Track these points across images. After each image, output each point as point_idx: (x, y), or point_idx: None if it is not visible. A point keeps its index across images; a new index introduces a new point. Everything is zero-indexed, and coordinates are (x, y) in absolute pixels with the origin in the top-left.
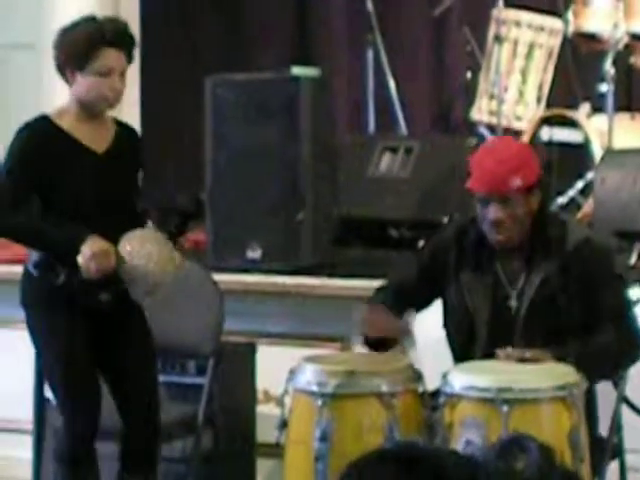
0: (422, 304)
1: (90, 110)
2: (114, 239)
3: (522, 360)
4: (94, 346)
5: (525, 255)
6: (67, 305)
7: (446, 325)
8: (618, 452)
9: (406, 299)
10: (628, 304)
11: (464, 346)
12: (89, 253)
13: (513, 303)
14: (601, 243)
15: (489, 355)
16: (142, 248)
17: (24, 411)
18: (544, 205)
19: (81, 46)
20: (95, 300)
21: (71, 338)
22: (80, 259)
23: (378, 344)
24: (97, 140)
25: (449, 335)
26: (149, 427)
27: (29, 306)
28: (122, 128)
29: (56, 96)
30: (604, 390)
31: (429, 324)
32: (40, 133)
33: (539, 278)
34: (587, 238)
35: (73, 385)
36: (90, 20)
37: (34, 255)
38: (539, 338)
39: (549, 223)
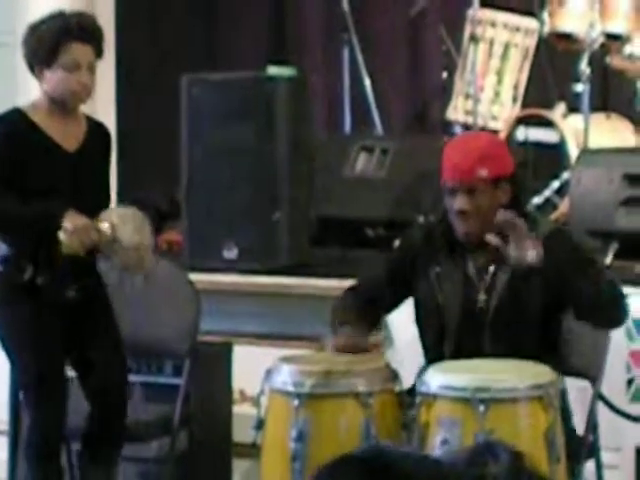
0: (392, 304)
1: (61, 106)
2: None
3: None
4: (62, 340)
5: (494, 250)
6: (33, 301)
7: (418, 322)
8: (594, 450)
9: (375, 300)
10: (606, 276)
11: (435, 342)
12: (71, 228)
13: (481, 297)
14: (568, 234)
15: (459, 350)
16: (121, 223)
17: (0, 412)
18: (516, 202)
19: (47, 41)
20: (61, 296)
21: (38, 333)
22: (62, 235)
23: None
24: (69, 138)
25: (420, 331)
26: (116, 416)
27: None
28: (93, 124)
29: (31, 93)
30: (580, 387)
31: (405, 322)
32: (13, 126)
33: (507, 274)
34: (555, 230)
35: (42, 378)
36: (57, 15)
37: (0, 251)
38: (507, 333)
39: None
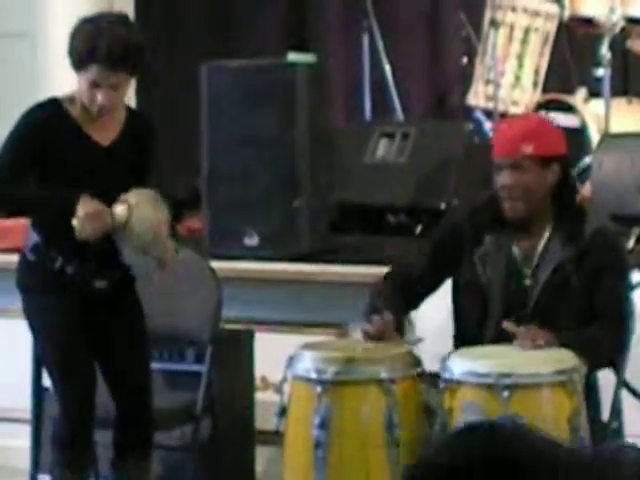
0: (432, 286)
1: (89, 111)
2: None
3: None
4: (89, 331)
5: (541, 235)
6: (63, 290)
7: (456, 303)
8: (618, 437)
9: (413, 285)
10: (627, 299)
11: (475, 324)
12: (83, 214)
13: (527, 282)
14: (614, 236)
15: (501, 332)
16: (137, 209)
17: (22, 400)
18: (566, 186)
19: (75, 55)
20: (90, 286)
21: (66, 322)
22: (74, 221)
23: None
24: (104, 131)
25: (459, 314)
26: (142, 412)
27: (25, 290)
28: (133, 117)
29: (51, 84)
30: (604, 375)
31: (430, 309)
32: (48, 116)
33: (554, 263)
34: (602, 229)
35: (69, 368)
36: (94, 24)
37: (31, 240)
38: (548, 319)
39: (570, 206)
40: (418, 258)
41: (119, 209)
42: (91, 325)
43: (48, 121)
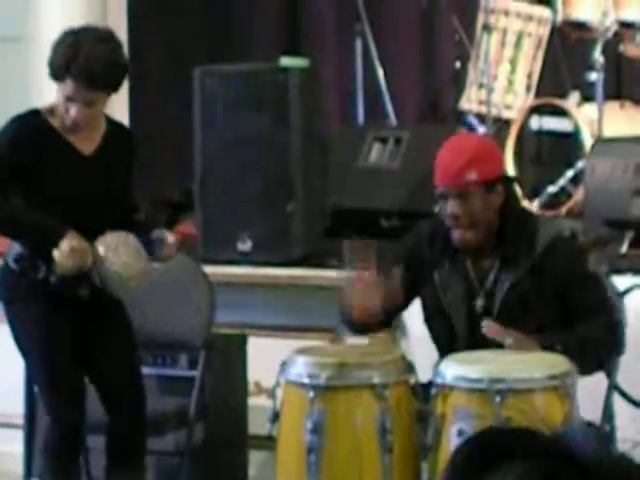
0: (400, 308)
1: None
2: (94, 238)
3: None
4: (75, 339)
5: (494, 255)
6: (47, 298)
7: (427, 323)
8: (611, 441)
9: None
10: (605, 299)
11: (446, 344)
12: (67, 249)
13: (479, 302)
14: (570, 243)
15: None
16: (115, 254)
17: (16, 406)
18: (511, 203)
19: (53, 68)
20: (73, 295)
21: (52, 331)
22: (57, 254)
23: (364, 325)
24: (86, 141)
25: (431, 332)
26: (133, 417)
27: (9, 301)
28: (113, 127)
29: (44, 89)
30: (596, 379)
31: (418, 316)
32: (30, 127)
33: (509, 280)
34: (556, 239)
35: (56, 377)
36: (75, 42)
37: (14, 250)
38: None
39: (517, 222)
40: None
41: (100, 249)
42: (77, 332)
43: (29, 132)
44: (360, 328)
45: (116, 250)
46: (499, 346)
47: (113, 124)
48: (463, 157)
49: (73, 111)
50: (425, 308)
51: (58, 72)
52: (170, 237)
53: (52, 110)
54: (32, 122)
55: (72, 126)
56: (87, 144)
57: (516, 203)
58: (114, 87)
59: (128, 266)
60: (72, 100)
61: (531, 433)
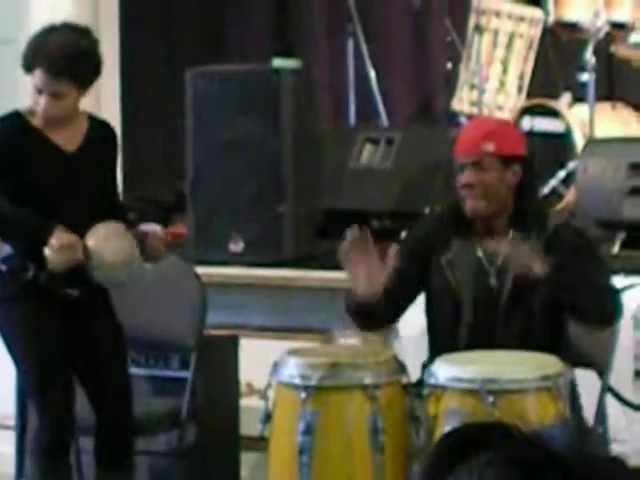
0: (407, 300)
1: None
2: (82, 234)
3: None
4: (64, 340)
5: (504, 235)
6: (36, 299)
7: (429, 312)
8: (603, 442)
9: (390, 296)
10: (609, 277)
11: (449, 329)
12: (57, 245)
13: (492, 282)
14: (580, 227)
15: (474, 335)
16: (106, 242)
17: (7, 407)
18: (527, 187)
19: (24, 57)
20: (62, 294)
21: (40, 331)
22: (47, 251)
23: (367, 311)
24: (68, 139)
25: (433, 322)
26: (121, 419)
27: None
28: (96, 124)
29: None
30: (588, 380)
31: (412, 316)
32: (11, 129)
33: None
34: (566, 222)
35: (45, 378)
36: (44, 33)
37: (3, 251)
38: (519, 318)
39: (532, 203)
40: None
41: (90, 241)
42: (66, 333)
43: (11, 132)
44: (365, 313)
45: (106, 240)
46: (502, 333)
47: (95, 121)
48: (482, 129)
49: (42, 103)
50: (429, 293)
51: (27, 62)
52: (158, 230)
53: (32, 111)
54: (13, 123)
55: (43, 120)
56: (69, 142)
57: (532, 189)
58: (79, 78)
59: (119, 255)
60: (40, 92)
61: (504, 426)
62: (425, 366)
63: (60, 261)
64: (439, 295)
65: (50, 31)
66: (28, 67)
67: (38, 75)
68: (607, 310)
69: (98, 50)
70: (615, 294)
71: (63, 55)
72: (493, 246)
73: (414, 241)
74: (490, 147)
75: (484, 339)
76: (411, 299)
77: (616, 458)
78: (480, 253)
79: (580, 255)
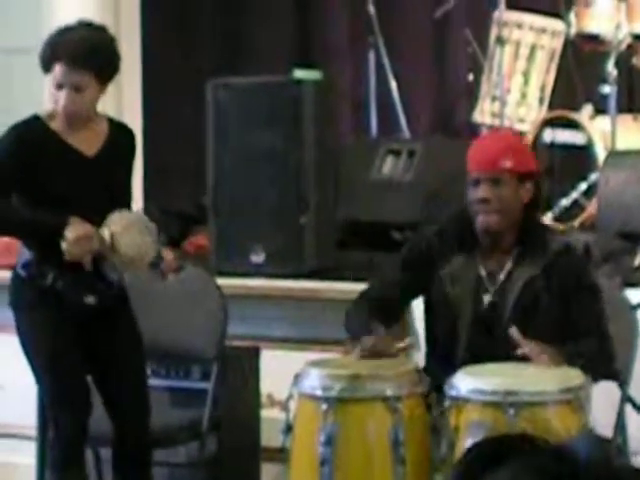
0: (402, 308)
1: (70, 123)
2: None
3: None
4: (82, 348)
5: (508, 253)
6: (55, 307)
7: (428, 323)
8: (623, 453)
9: (389, 301)
10: (603, 316)
11: (446, 341)
12: (72, 236)
13: (493, 300)
14: (578, 252)
15: (472, 351)
16: (124, 230)
17: (28, 417)
18: (535, 206)
19: (42, 56)
20: (81, 302)
21: (59, 339)
22: (63, 243)
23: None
24: (88, 142)
25: (430, 333)
26: (139, 430)
27: (18, 308)
28: (115, 127)
29: None
30: (608, 390)
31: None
32: (30, 132)
33: (523, 278)
34: (566, 246)
35: (60, 387)
36: (64, 30)
37: (23, 257)
38: (525, 335)
39: (538, 222)
40: (389, 277)
41: (106, 232)
42: (84, 343)
43: (31, 136)
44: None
45: (124, 229)
46: (503, 350)
47: (115, 124)
48: (500, 145)
49: (62, 98)
50: (428, 304)
51: (45, 61)
52: (168, 253)
53: (51, 115)
54: (33, 127)
55: (64, 117)
56: (89, 146)
57: (540, 206)
58: (98, 69)
59: (137, 244)
60: (60, 87)
61: (531, 438)
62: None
63: (76, 252)
64: (437, 308)
65: (66, 29)
66: (47, 65)
67: (57, 70)
68: (611, 366)
69: (116, 46)
70: (611, 341)
71: (82, 45)
72: (495, 264)
73: (414, 251)
74: (508, 164)
75: (482, 357)
76: (404, 303)
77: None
78: (482, 270)
79: (582, 294)
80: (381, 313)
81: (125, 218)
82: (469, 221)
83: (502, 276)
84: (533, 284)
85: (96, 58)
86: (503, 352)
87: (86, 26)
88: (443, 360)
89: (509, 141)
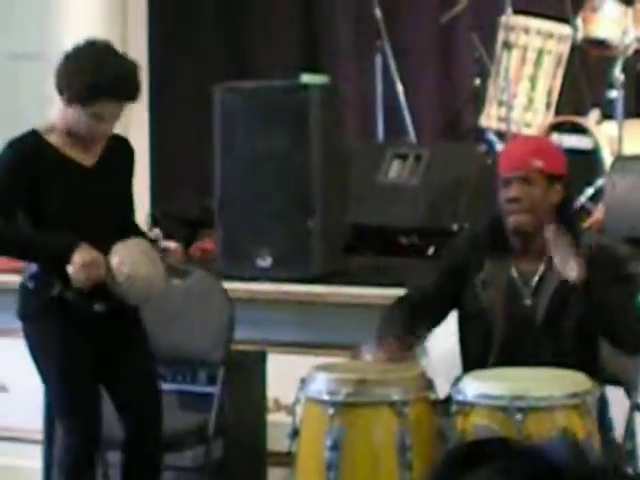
0: (440, 316)
1: (75, 138)
2: (104, 250)
3: None
4: (92, 356)
5: (540, 255)
6: (63, 316)
7: (461, 329)
8: (633, 459)
9: (424, 312)
10: (637, 306)
11: (479, 348)
12: (80, 262)
13: (527, 302)
14: (610, 247)
15: (504, 355)
16: (131, 259)
17: (34, 421)
18: (566, 206)
19: (81, 91)
20: (89, 311)
21: (68, 349)
22: (70, 268)
23: None
24: (85, 154)
25: (464, 341)
26: (150, 437)
27: (26, 319)
28: (114, 139)
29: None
30: (618, 397)
31: (440, 333)
32: (28, 147)
33: (555, 283)
34: (597, 243)
35: (73, 399)
36: (93, 58)
37: (30, 268)
38: (552, 339)
39: (569, 224)
40: (427, 287)
41: (114, 261)
42: (94, 351)
43: (29, 151)
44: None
45: (131, 258)
46: (534, 353)
47: (113, 136)
48: (531, 146)
49: (104, 127)
50: (462, 311)
51: (85, 96)
52: (171, 244)
53: (50, 129)
54: (30, 142)
55: (92, 140)
56: (88, 156)
57: (571, 210)
58: (134, 99)
59: (144, 273)
60: (102, 118)
61: (505, 440)
62: (456, 383)
63: (83, 279)
64: (471, 315)
65: (93, 61)
66: (89, 99)
67: (102, 104)
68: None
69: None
70: None
71: (126, 80)
72: (528, 267)
73: (451, 259)
74: (539, 163)
75: (515, 359)
76: (443, 315)
77: (617, 470)
78: (514, 273)
79: (618, 283)
80: (423, 318)
81: (129, 246)
82: (501, 225)
83: (536, 278)
84: (566, 285)
85: (136, 90)
86: (536, 352)
87: (106, 52)
88: (477, 366)
89: (540, 143)
